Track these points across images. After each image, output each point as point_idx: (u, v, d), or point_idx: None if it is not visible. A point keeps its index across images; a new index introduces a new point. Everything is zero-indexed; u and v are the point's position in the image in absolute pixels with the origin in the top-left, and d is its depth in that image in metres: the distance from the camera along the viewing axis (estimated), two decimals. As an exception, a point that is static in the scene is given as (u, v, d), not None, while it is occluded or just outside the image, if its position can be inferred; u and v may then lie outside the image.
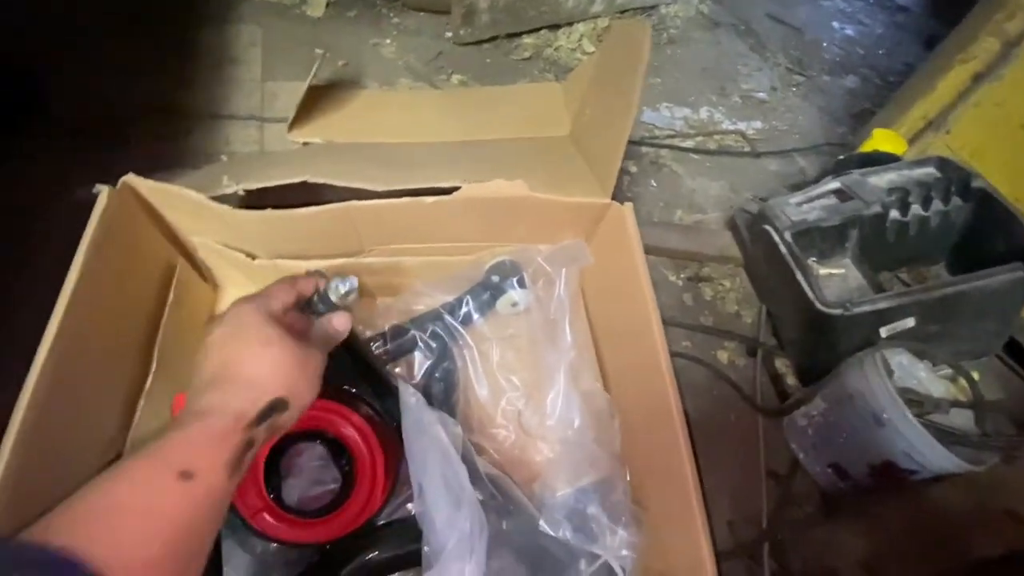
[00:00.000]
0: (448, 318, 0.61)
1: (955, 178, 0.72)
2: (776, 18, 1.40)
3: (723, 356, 0.76)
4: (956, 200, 0.73)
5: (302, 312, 0.41)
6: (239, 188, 0.51)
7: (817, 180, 0.78)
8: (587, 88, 0.71)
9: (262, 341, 0.33)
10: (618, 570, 0.45)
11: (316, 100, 0.82)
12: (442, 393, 0.59)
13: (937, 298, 0.64)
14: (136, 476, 0.27)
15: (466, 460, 0.47)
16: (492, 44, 1.12)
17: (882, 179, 0.74)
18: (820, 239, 0.70)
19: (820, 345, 0.67)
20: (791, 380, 0.75)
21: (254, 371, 0.32)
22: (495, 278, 0.62)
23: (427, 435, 0.48)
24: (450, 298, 0.63)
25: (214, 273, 0.61)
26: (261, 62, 0.95)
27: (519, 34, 1.14)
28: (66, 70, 0.82)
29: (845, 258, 0.75)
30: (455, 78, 1.04)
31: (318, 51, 1.00)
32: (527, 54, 1.12)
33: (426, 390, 0.59)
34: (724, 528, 0.63)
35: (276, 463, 0.49)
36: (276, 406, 0.32)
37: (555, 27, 1.18)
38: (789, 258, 0.66)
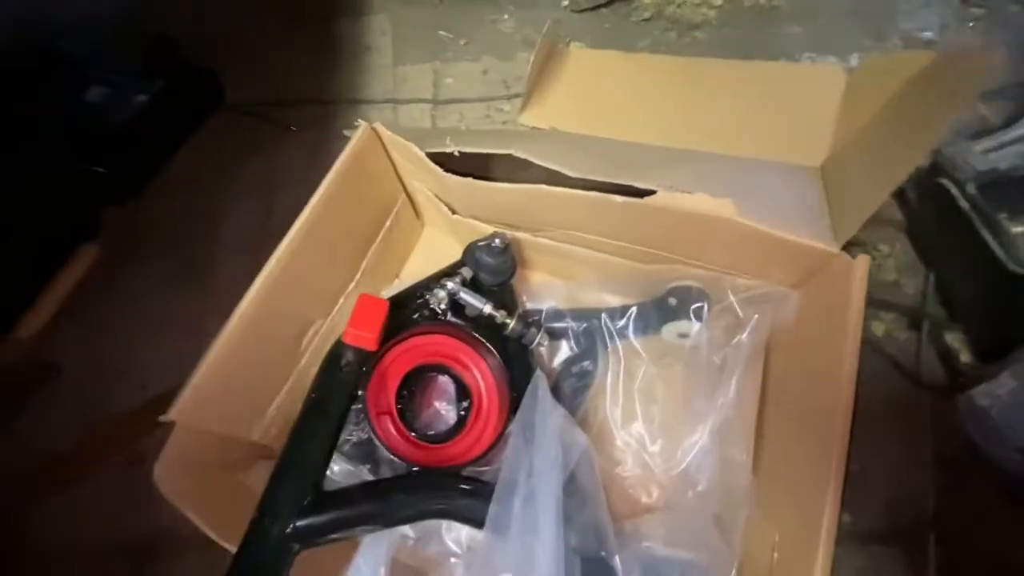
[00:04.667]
0: (608, 322, 0.58)
1: None
2: (946, -59, 1.19)
3: (878, 329, 0.69)
4: None
5: None
6: (456, 150, 0.56)
7: (1007, 126, 0.66)
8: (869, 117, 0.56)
9: None
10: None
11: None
12: (571, 389, 0.58)
13: None
14: None
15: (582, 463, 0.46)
16: (609, 8, 1.09)
17: (1102, 117, 0.61)
18: (1015, 192, 0.59)
19: (1011, 315, 0.58)
20: (966, 357, 0.65)
21: None
22: (672, 300, 0.56)
23: (546, 433, 0.46)
24: (617, 302, 0.60)
25: (424, 215, 0.73)
26: (392, 48, 1.02)
27: (638, -7, 1.09)
28: (235, 65, 0.96)
29: (1047, 215, 0.63)
30: (572, 47, 1.02)
31: (441, 33, 1.05)
32: (647, 14, 1.07)
33: (558, 381, 0.59)
34: (881, 509, 0.58)
35: (410, 386, 0.54)
36: None
37: (677, -19, 1.11)
38: (973, 214, 0.57)
